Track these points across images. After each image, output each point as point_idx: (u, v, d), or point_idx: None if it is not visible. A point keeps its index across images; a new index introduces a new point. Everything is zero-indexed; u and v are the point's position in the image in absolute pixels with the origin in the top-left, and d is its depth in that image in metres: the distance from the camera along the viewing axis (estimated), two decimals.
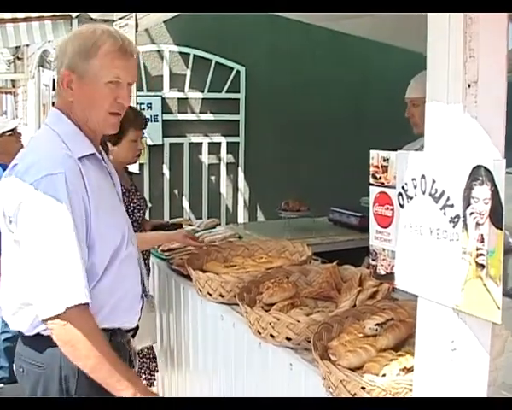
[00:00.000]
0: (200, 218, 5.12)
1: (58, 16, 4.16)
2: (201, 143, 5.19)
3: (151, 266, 3.15)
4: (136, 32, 3.54)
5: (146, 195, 4.92)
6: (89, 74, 1.60)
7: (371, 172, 1.35)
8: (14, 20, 4.07)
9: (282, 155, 5.52)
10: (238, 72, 5.22)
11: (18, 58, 8.34)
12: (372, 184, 1.35)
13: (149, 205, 3.43)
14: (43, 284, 1.50)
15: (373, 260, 1.36)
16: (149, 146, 4.89)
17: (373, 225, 1.36)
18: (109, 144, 2.73)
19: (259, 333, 1.99)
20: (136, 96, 3.81)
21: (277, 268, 2.42)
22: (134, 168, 3.72)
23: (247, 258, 2.84)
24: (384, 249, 1.32)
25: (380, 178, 1.33)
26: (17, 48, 7.53)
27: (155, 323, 2.74)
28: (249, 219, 5.59)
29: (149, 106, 4.87)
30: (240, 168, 5.40)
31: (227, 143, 5.27)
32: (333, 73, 5.62)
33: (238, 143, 5.33)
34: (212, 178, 5.33)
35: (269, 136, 5.45)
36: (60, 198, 1.50)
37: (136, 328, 1.83)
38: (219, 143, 5.27)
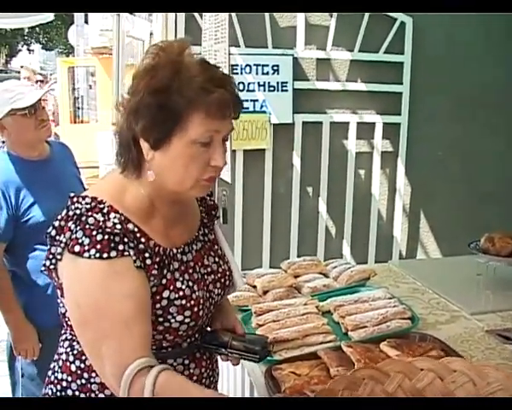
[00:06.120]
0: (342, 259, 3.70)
1: None
2: (348, 123, 3.97)
3: None
4: None
5: (268, 194, 3.82)
6: None
7: None
8: None
9: (466, 144, 4.12)
10: (402, 24, 3.90)
11: None
12: None
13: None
14: None
15: None
16: (274, 125, 3.75)
17: None
18: (145, 146, 1.28)
19: None
20: (229, 54, 2.58)
21: None
22: (224, 174, 2.35)
23: None
24: None
25: None
26: None
27: None
28: (408, 231, 4.22)
29: (275, 69, 3.69)
30: (400, 160, 4.07)
31: (383, 124, 4.02)
32: None
33: (399, 124, 4.02)
34: (361, 172, 4.08)
35: (445, 116, 4.08)
36: None
37: None
38: (373, 124, 4.02)
